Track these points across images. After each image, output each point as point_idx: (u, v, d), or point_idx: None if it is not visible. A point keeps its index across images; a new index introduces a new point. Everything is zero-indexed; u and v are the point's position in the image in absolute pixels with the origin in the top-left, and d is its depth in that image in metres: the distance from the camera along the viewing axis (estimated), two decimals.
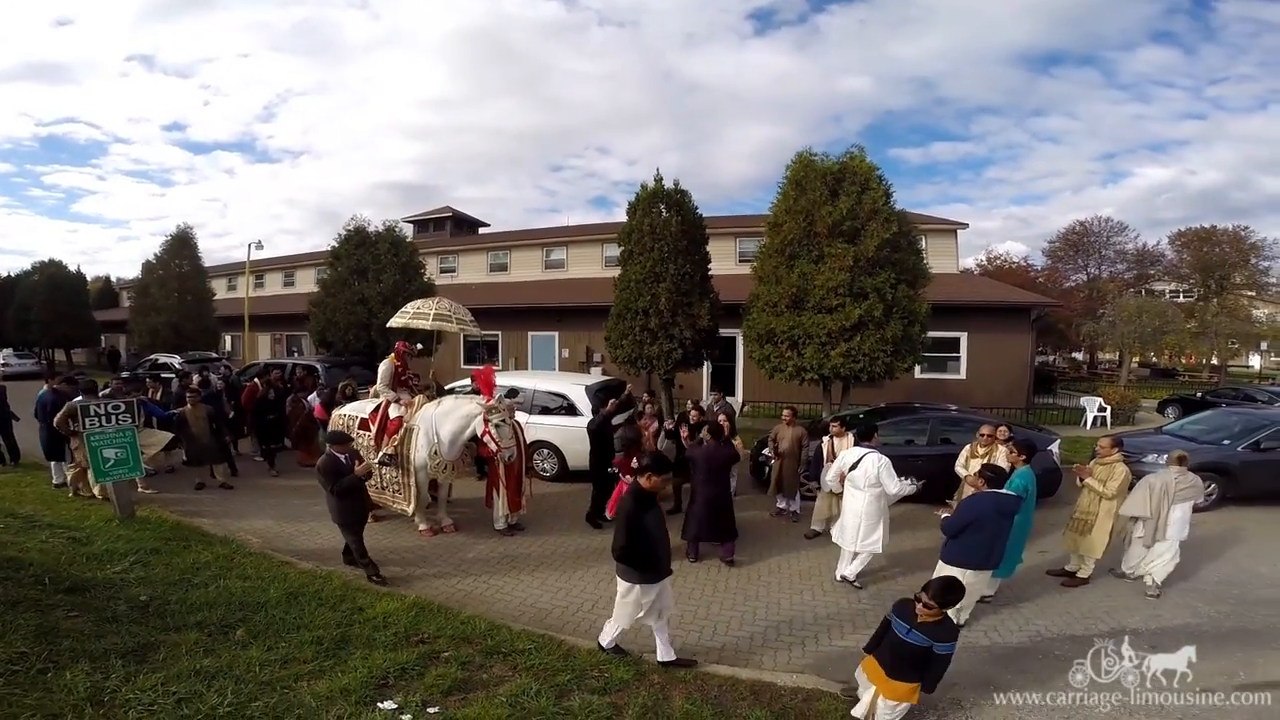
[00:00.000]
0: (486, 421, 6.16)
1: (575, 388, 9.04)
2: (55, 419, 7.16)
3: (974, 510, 4.60)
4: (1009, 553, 5.19)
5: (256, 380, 9.96)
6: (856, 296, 9.62)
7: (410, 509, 6.62)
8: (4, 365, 24.81)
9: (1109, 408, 14.79)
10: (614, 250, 13.05)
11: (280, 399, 9.71)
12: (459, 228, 30.33)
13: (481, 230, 31.50)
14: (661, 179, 11.66)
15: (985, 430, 6.54)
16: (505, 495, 6.78)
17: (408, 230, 21.59)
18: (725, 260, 18.84)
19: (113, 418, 6.47)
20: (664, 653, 4.10)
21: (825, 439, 6.98)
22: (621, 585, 4.05)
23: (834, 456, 6.76)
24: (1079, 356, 35.65)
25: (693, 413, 7.58)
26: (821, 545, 6.44)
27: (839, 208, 9.53)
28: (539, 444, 8.88)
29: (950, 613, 4.79)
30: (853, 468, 5.53)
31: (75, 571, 4.86)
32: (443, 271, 24.63)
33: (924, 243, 18.37)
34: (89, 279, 36.05)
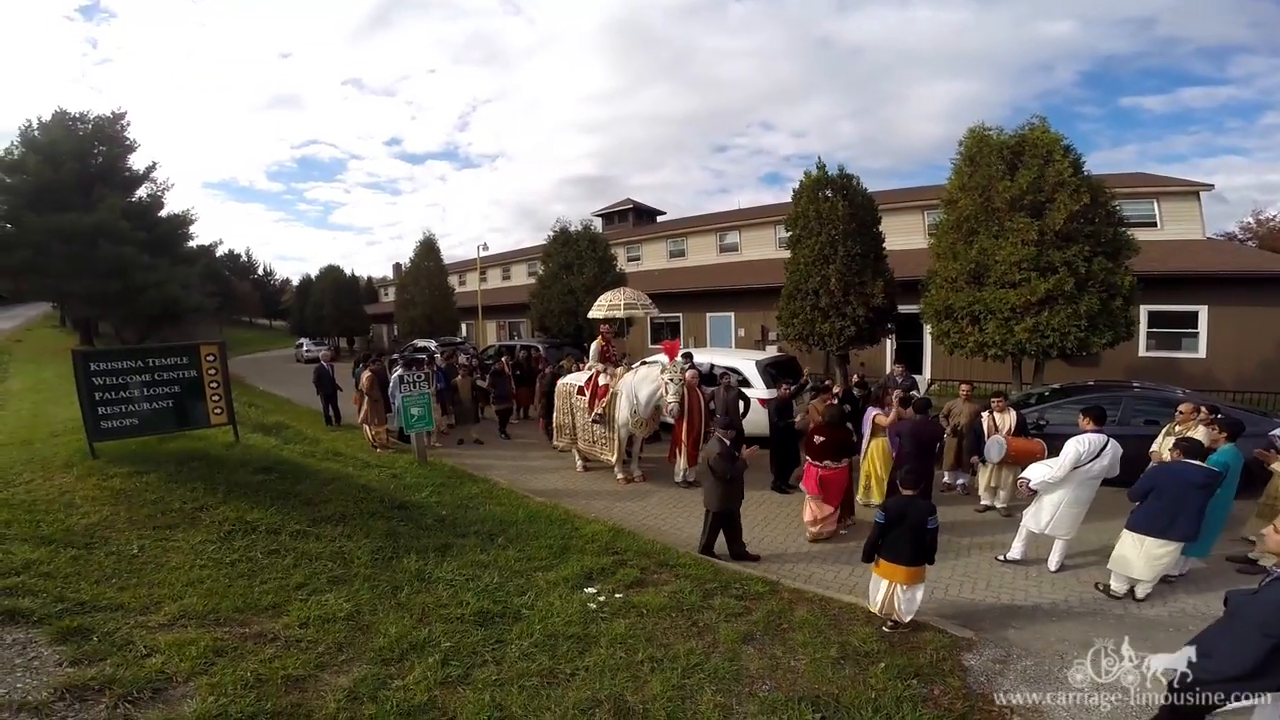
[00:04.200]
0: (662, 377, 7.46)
1: (747, 362, 9.91)
2: (362, 384, 10.00)
3: (1154, 476, 4.72)
4: (1203, 532, 4.95)
5: (504, 360, 12.58)
6: (1044, 271, 9.12)
7: (612, 459, 8.29)
8: (307, 351, 30.74)
9: None
10: (786, 231, 13.49)
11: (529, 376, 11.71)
12: (640, 218, 32.84)
13: (660, 219, 33.57)
14: (824, 166, 11.94)
15: (1184, 408, 6.19)
16: (686, 453, 7.98)
17: (597, 224, 24.10)
18: (911, 234, 18.01)
19: (417, 385, 9.05)
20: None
21: (986, 414, 7.12)
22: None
23: (995, 430, 6.93)
24: None
25: (836, 388, 8.22)
26: (990, 519, 6.81)
27: (1018, 182, 9.08)
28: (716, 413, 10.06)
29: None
30: (1095, 456, 5.16)
31: (399, 495, 6.91)
32: (629, 260, 26.70)
33: (1156, 208, 15.78)
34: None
